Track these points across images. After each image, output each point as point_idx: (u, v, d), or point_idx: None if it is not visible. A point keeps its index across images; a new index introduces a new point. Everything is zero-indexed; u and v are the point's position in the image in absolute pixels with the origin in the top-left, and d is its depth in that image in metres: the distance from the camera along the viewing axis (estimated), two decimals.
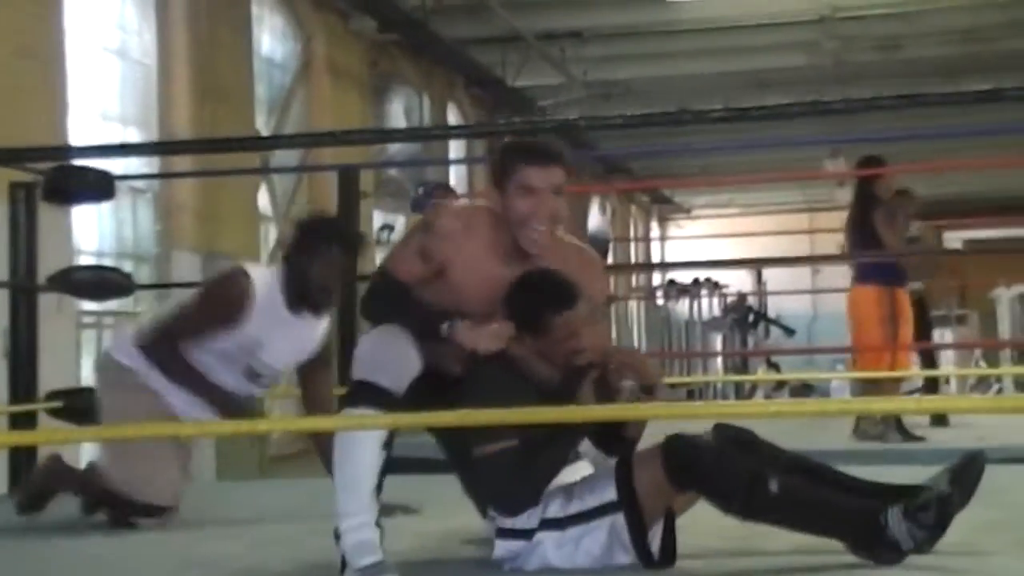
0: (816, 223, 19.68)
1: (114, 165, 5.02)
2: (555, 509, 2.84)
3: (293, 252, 3.73)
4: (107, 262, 7.17)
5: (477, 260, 2.95)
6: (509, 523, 2.87)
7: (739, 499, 2.70)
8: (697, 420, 2.71)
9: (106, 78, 7.62)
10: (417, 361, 2.89)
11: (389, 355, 2.89)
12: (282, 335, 3.76)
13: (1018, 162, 16.18)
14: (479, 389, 2.85)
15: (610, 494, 2.81)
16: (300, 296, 3.73)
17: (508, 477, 2.82)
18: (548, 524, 2.84)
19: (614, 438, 2.96)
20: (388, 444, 2.92)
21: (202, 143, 7.27)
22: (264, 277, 3.78)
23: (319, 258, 3.67)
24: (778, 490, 2.69)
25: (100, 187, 4.86)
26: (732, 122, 2.19)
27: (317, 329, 3.87)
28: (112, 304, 6.78)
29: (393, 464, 2.95)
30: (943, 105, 2.08)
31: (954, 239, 20.27)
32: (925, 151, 16.67)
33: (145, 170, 7.58)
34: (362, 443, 2.89)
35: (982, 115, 12.21)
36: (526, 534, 2.85)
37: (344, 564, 2.87)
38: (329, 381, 4.02)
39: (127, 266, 7.11)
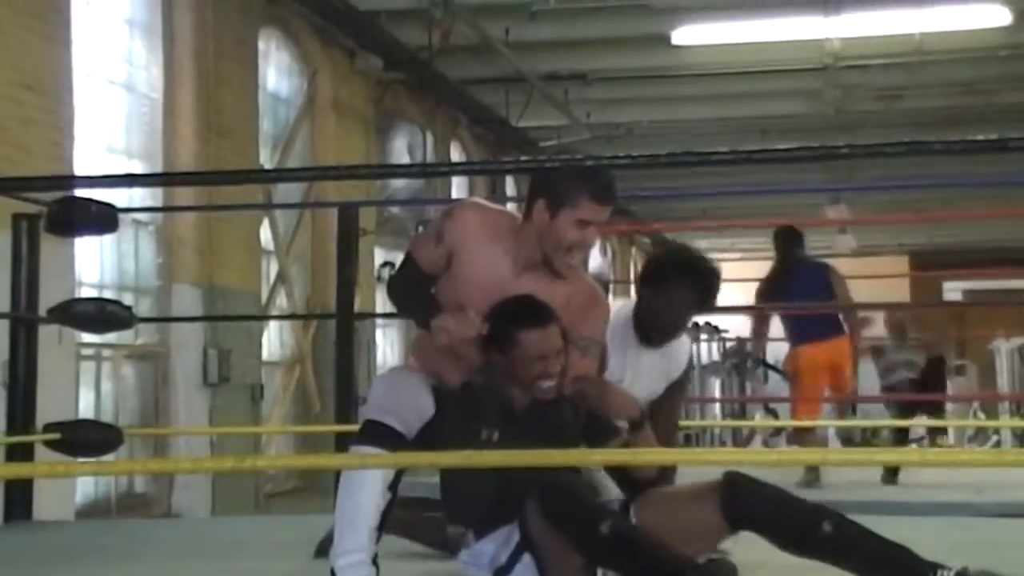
0: None
1: (117, 198, 5.02)
2: (501, 558, 2.83)
3: (644, 285, 3.55)
4: (108, 294, 7.16)
5: (487, 260, 2.95)
6: (473, 574, 2.86)
7: (795, 537, 2.74)
8: (698, 466, 2.71)
9: (112, 111, 7.66)
10: (430, 405, 2.90)
11: (401, 398, 2.91)
12: (638, 368, 3.56)
13: (1019, 213, 16.22)
14: (453, 427, 2.85)
15: (514, 537, 2.81)
16: (650, 330, 3.51)
17: (460, 499, 2.84)
18: (498, 574, 2.83)
19: (624, 480, 2.95)
20: (393, 486, 2.92)
21: (206, 175, 7.30)
22: (615, 312, 3.54)
23: (669, 293, 3.44)
24: (831, 530, 2.70)
25: (103, 219, 4.87)
26: (737, 164, 2.20)
27: (673, 361, 3.63)
28: (111, 336, 6.77)
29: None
30: (947, 154, 2.09)
31: (954, 289, 20.27)
32: (926, 201, 16.72)
33: (148, 203, 7.60)
34: (366, 482, 2.89)
35: (983, 166, 12.28)
36: None
37: None
38: (677, 410, 3.81)
39: (128, 299, 7.12)
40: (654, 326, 3.47)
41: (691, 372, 3.75)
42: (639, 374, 3.51)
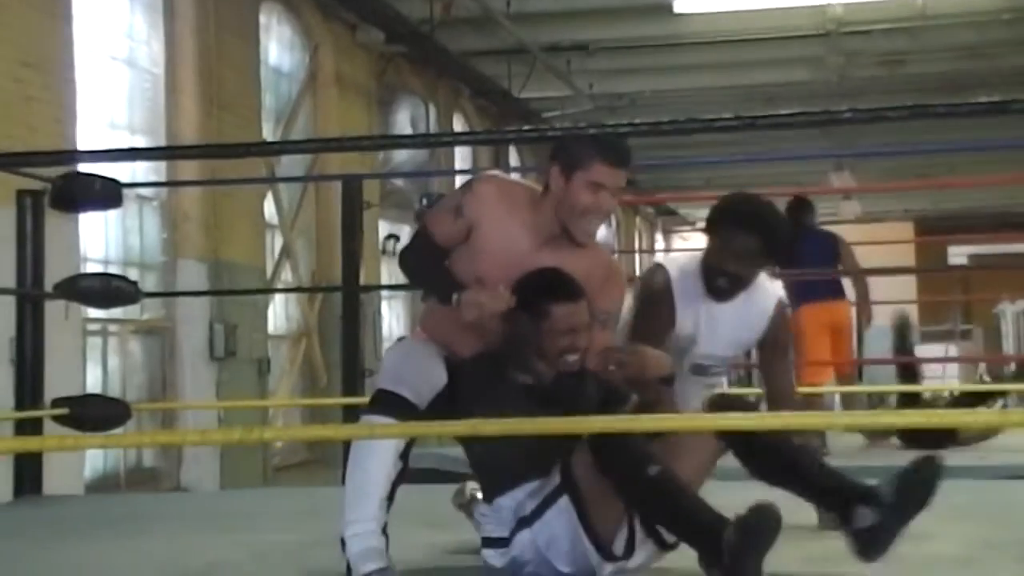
0: None
1: (121, 173, 5.02)
2: (527, 507, 2.83)
3: (708, 234, 3.42)
4: (113, 270, 7.18)
5: (506, 233, 2.94)
6: (490, 530, 2.88)
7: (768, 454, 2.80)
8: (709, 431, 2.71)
9: (114, 87, 7.65)
10: (443, 376, 2.91)
11: (414, 368, 2.92)
12: (712, 323, 3.43)
13: (1022, 178, 16.17)
14: (475, 394, 2.86)
15: (555, 479, 2.82)
16: (715, 280, 3.38)
17: (493, 451, 2.84)
18: (520, 524, 2.83)
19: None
20: (404, 455, 2.93)
21: (209, 148, 7.26)
22: (681, 266, 3.47)
23: (731, 240, 3.31)
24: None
25: (107, 195, 4.86)
26: (741, 131, 2.18)
27: (753, 312, 3.46)
28: (118, 312, 6.79)
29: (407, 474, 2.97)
30: (950, 117, 2.08)
31: (959, 254, 20.25)
32: (930, 167, 16.68)
33: (152, 179, 7.60)
34: (377, 452, 2.90)
35: (987, 131, 12.22)
36: (504, 541, 2.84)
37: (349, 570, 2.87)
38: (789, 372, 3.69)
39: (133, 274, 7.13)
40: (718, 276, 3.35)
41: (783, 328, 3.51)
42: (714, 329, 3.41)
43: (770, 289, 3.49)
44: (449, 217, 2.99)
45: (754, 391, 13.00)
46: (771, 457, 2.85)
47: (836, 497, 2.83)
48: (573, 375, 2.87)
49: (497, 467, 2.86)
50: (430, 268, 2.99)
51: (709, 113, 2.50)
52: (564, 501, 2.78)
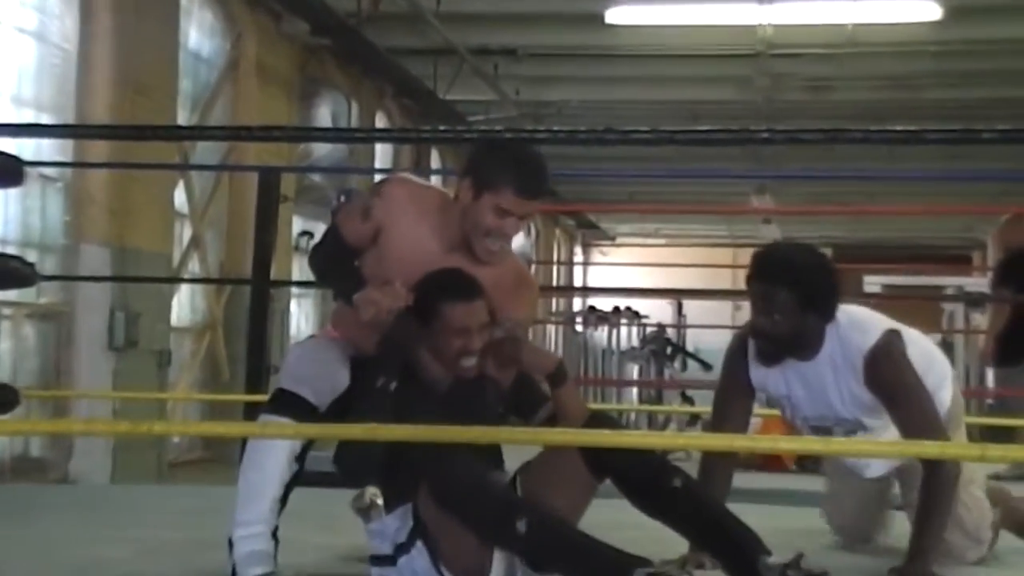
0: (740, 259, 19.90)
1: (24, 151, 4.91)
2: (401, 534, 2.74)
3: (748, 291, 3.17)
4: (11, 251, 7.01)
5: (414, 235, 2.92)
6: (376, 547, 2.80)
7: (646, 486, 2.75)
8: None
9: (21, 61, 7.47)
10: (345, 377, 2.89)
11: (316, 368, 2.89)
12: (806, 383, 3.21)
13: (937, 210, 16.57)
14: (364, 398, 2.80)
15: (409, 519, 2.72)
16: (757, 342, 3.20)
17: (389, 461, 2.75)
18: (398, 550, 2.75)
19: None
20: (300, 457, 2.90)
21: (118, 129, 7.10)
22: (733, 340, 3.30)
23: (755, 297, 3.12)
24: (680, 486, 2.71)
25: (8, 171, 4.70)
26: (658, 145, 2.19)
27: (842, 366, 3.15)
28: (12, 294, 6.63)
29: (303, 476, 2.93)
30: (866, 143, 2.11)
31: (873, 283, 20.68)
32: (848, 194, 17.01)
33: (58, 158, 7.43)
34: (272, 452, 2.88)
35: (905, 161, 12.50)
36: (390, 560, 2.77)
37: (235, 572, 2.83)
38: (912, 429, 3.05)
39: (32, 256, 6.97)
40: (756, 337, 3.15)
41: (880, 380, 3.10)
42: (811, 389, 3.17)
43: (858, 338, 3.14)
44: (358, 218, 2.97)
45: (663, 408, 12.98)
46: (664, 497, 2.76)
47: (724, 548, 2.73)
48: (471, 381, 2.85)
49: (389, 478, 2.82)
50: (338, 267, 2.97)
51: (635, 126, 2.49)
52: (419, 545, 2.70)
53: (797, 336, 3.12)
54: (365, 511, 3.23)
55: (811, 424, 3.27)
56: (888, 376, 3.11)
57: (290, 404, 2.86)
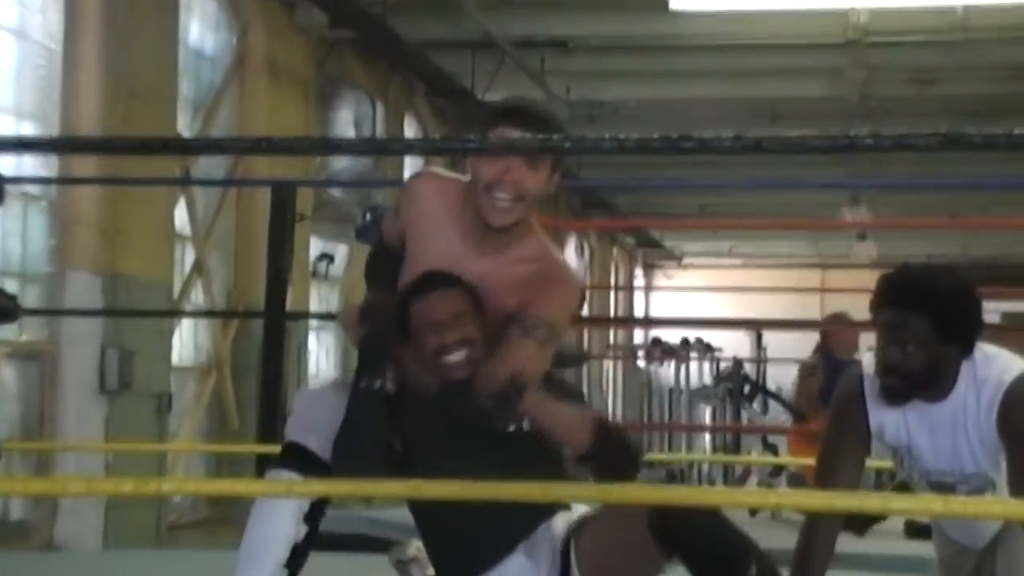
0: (829, 281, 19.80)
1: (3, 165, 4.97)
2: None
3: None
4: None
5: (438, 232, 3.01)
6: None
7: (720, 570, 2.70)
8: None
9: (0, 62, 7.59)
10: None
11: (324, 415, 2.90)
12: (929, 430, 3.18)
13: None
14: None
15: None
16: (881, 379, 3.15)
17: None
18: None
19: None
20: (311, 516, 2.91)
21: (112, 142, 7.17)
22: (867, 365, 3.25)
23: (881, 327, 3.11)
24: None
25: None
26: (742, 153, 2.16)
27: (972, 410, 3.11)
28: None
29: (321, 540, 2.94)
30: (989, 149, 2.08)
31: (991, 311, 20.37)
32: (961, 205, 16.85)
33: (41, 174, 7.51)
34: (275, 511, 2.90)
35: None
36: None
37: None
38: None
39: (11, 286, 7.05)
40: (880, 372, 3.10)
41: (1012, 425, 3.05)
42: (933, 437, 3.14)
43: (996, 377, 3.09)
44: (394, 218, 3.14)
45: (741, 459, 12.98)
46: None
47: None
48: (458, 385, 2.85)
49: (451, 549, 2.81)
50: (376, 273, 3.15)
51: (705, 129, 2.48)
52: None
53: (931, 371, 3.08)
54: (405, 566, 3.23)
55: (931, 480, 3.20)
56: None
57: (295, 457, 2.90)
